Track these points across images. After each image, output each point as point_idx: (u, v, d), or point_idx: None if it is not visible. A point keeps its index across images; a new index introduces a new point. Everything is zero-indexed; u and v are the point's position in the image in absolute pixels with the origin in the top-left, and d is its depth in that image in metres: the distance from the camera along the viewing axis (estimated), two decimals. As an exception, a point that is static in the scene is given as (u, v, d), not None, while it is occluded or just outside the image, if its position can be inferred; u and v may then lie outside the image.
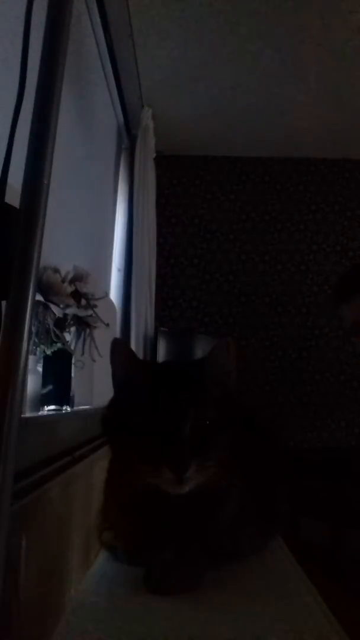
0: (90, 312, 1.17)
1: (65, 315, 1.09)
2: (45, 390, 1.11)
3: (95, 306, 1.19)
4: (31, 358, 1.08)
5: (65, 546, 0.71)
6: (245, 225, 3.21)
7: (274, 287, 3.17)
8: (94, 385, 1.43)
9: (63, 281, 1.11)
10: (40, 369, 1.11)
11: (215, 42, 2.19)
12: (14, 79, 0.55)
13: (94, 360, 1.21)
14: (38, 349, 1.06)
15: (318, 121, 2.81)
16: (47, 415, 1.07)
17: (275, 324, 3.13)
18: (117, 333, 2.31)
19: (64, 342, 1.09)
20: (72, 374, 1.17)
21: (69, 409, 1.14)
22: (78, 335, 1.18)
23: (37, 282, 0.57)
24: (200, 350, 2.53)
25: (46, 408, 1.10)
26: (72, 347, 1.15)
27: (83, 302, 1.16)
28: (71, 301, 1.11)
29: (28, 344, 0.44)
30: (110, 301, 2.02)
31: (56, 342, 1.07)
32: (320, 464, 2.71)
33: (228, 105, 2.68)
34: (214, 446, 0.65)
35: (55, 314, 1.05)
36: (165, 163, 3.12)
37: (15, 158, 0.53)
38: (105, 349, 0.82)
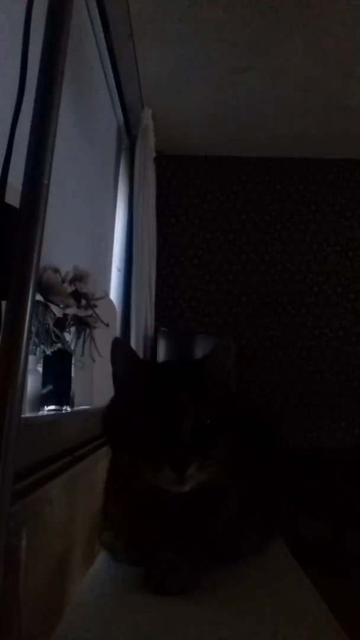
0: (90, 312, 1.17)
1: (65, 315, 1.09)
2: (45, 390, 1.11)
3: (95, 306, 1.19)
4: (31, 358, 1.07)
5: (65, 546, 0.71)
6: (245, 225, 3.21)
7: (274, 287, 3.17)
8: (94, 385, 1.43)
9: (63, 281, 1.11)
10: (40, 369, 1.11)
11: (215, 43, 2.19)
12: (14, 79, 0.55)
13: (94, 360, 1.21)
14: (38, 349, 1.06)
15: (318, 121, 2.81)
16: (47, 415, 1.07)
17: (275, 324, 3.13)
18: (117, 333, 2.31)
19: (64, 342, 1.09)
20: (72, 374, 1.17)
21: (69, 409, 1.14)
22: (78, 335, 1.18)
23: (37, 282, 0.57)
24: (200, 350, 2.53)
25: (46, 408, 1.10)
26: (72, 347, 1.15)
27: (83, 302, 1.16)
28: (71, 301, 1.11)
29: (28, 344, 0.44)
30: (110, 301, 2.02)
31: (56, 342, 1.07)
32: (320, 464, 2.71)
33: (228, 106, 2.68)
34: (215, 445, 0.65)
35: (55, 314, 1.05)
36: (165, 163, 3.12)
37: (15, 158, 0.53)
38: (105, 349, 0.82)
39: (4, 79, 0.94)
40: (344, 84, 2.47)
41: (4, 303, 0.47)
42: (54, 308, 1.04)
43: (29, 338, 0.44)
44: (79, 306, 1.14)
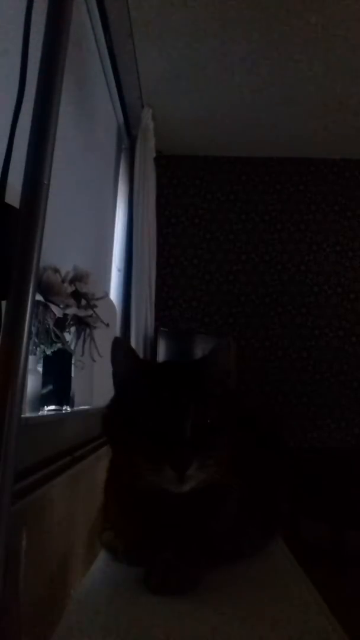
0: (90, 312, 1.17)
1: (65, 315, 1.09)
2: (45, 390, 1.11)
3: (95, 306, 1.19)
4: (31, 358, 1.07)
5: (65, 546, 0.71)
6: (245, 225, 3.22)
7: (274, 287, 3.17)
8: (94, 385, 1.43)
9: (63, 281, 1.11)
10: (40, 369, 1.11)
11: (215, 43, 2.19)
12: (14, 79, 0.55)
13: (94, 360, 1.21)
14: (38, 349, 1.06)
15: (318, 121, 2.81)
16: (47, 415, 1.07)
17: (275, 324, 3.13)
18: (117, 333, 2.31)
19: (64, 342, 1.09)
20: (72, 374, 1.17)
21: (69, 409, 1.14)
22: (78, 335, 1.18)
23: (37, 282, 0.57)
24: (200, 350, 2.53)
25: (46, 408, 1.10)
26: (72, 347, 1.15)
27: (83, 302, 1.16)
28: (71, 301, 1.11)
29: (28, 344, 0.44)
30: (110, 301, 2.02)
31: (56, 342, 1.07)
32: (320, 463, 2.71)
33: (228, 105, 2.68)
34: (215, 445, 0.65)
35: (55, 314, 1.05)
36: (165, 163, 3.12)
37: (15, 158, 0.53)
38: (105, 349, 0.82)
39: (3, 79, 0.94)
40: (344, 83, 2.47)
41: (4, 303, 0.47)
42: (54, 308, 1.04)
43: (29, 338, 0.44)
44: (79, 306, 1.14)
